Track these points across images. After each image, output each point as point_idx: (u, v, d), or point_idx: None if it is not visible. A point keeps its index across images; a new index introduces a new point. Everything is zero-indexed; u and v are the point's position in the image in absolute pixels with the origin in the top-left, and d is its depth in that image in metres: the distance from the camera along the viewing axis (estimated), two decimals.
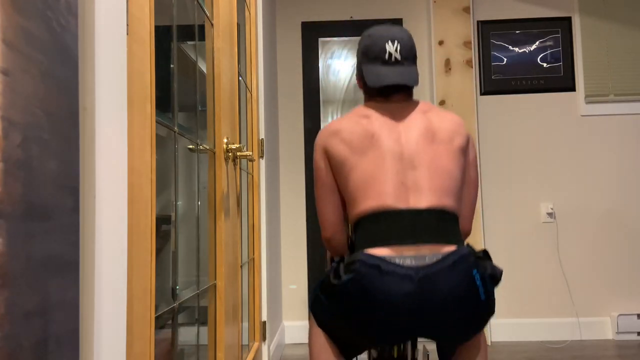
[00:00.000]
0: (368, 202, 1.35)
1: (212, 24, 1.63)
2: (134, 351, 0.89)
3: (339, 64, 3.52)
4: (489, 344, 3.17)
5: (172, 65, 1.33)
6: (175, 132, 1.31)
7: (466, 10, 3.29)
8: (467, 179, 1.50)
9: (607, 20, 3.34)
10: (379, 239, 1.31)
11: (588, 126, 3.33)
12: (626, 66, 3.32)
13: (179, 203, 1.56)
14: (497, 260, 3.28)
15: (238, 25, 2.01)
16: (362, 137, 1.40)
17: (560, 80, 3.35)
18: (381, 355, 1.56)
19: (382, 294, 1.24)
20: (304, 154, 3.42)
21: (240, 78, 2.18)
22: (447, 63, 3.26)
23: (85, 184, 0.69)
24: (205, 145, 1.58)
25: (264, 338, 2.48)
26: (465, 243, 1.35)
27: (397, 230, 1.31)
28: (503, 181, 3.32)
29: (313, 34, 3.46)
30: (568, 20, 3.37)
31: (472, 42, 3.29)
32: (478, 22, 3.39)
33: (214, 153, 1.65)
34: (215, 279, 1.62)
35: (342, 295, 1.31)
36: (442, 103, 3.23)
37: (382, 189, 1.35)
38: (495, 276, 1.35)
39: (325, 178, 1.47)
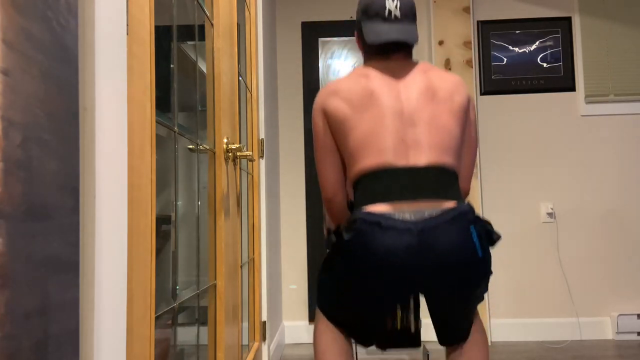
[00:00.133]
0: (368, 160, 1.36)
1: (212, 24, 1.63)
2: (134, 351, 0.89)
3: (339, 64, 3.52)
4: (489, 343, 3.17)
5: (172, 65, 1.33)
6: (175, 132, 1.31)
7: (466, 10, 3.29)
8: (466, 138, 1.49)
9: (607, 20, 3.34)
10: (379, 196, 1.32)
11: (588, 126, 3.33)
12: (626, 66, 3.32)
13: (179, 203, 1.56)
14: (497, 260, 3.28)
15: (238, 25, 2.01)
16: (362, 96, 1.39)
17: (560, 80, 3.35)
18: (387, 330, 1.57)
19: (383, 249, 1.25)
20: (304, 154, 3.42)
21: (240, 78, 2.18)
22: (447, 63, 3.26)
23: (85, 184, 0.69)
24: (205, 145, 1.58)
25: (264, 338, 2.48)
26: (466, 201, 1.36)
27: (397, 187, 1.32)
28: (503, 181, 3.32)
29: (313, 34, 3.46)
30: (568, 20, 3.37)
31: (472, 42, 3.29)
32: (478, 22, 3.39)
33: (214, 153, 1.65)
34: (215, 279, 1.62)
35: (345, 256, 1.33)
36: None
37: (381, 146, 1.35)
38: (491, 236, 1.36)
39: (324, 139, 1.46)
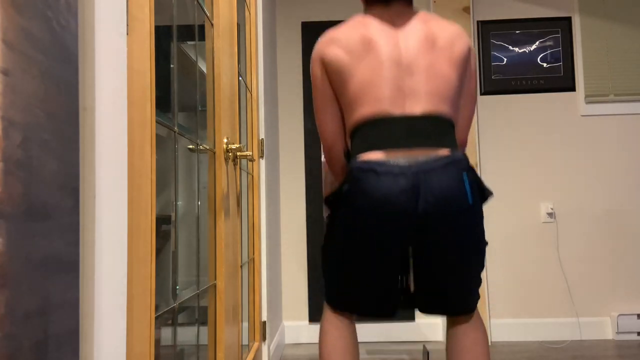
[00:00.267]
0: (365, 108, 1.37)
1: (212, 24, 1.63)
2: (134, 351, 0.89)
3: None
4: (489, 343, 3.17)
5: (172, 65, 1.33)
6: (175, 132, 1.31)
7: (466, 10, 3.29)
8: (466, 89, 1.49)
9: (607, 20, 3.34)
10: (374, 144, 1.35)
11: (588, 126, 3.33)
12: (626, 66, 3.32)
13: (179, 203, 1.56)
14: (497, 260, 3.28)
15: (238, 25, 2.01)
16: (360, 43, 1.39)
17: (560, 80, 3.35)
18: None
19: (379, 192, 1.28)
20: (304, 154, 3.42)
21: (240, 78, 2.18)
22: None
23: (85, 184, 0.69)
24: (205, 145, 1.58)
25: (264, 338, 2.48)
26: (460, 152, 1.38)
27: (392, 136, 1.34)
28: (503, 181, 3.32)
29: (313, 34, 3.46)
30: (568, 20, 3.37)
31: (472, 42, 3.29)
32: (478, 22, 3.39)
33: (214, 153, 1.65)
34: (215, 279, 1.62)
35: (343, 213, 1.35)
36: None
37: (378, 95, 1.36)
38: (483, 190, 1.37)
39: (323, 88, 1.47)
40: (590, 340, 3.17)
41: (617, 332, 3.16)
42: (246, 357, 2.08)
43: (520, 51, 3.37)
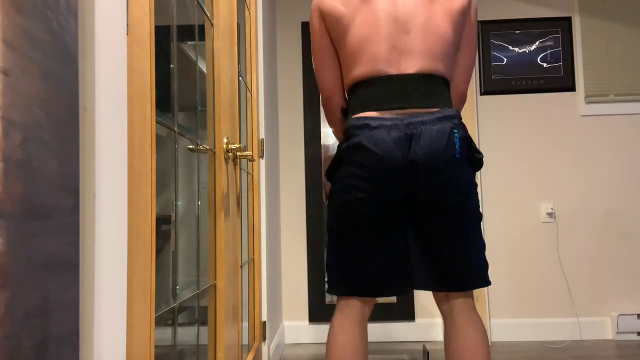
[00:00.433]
0: (361, 67, 1.40)
1: (212, 24, 1.63)
2: (134, 351, 0.89)
3: None
4: (489, 343, 3.17)
5: (172, 65, 1.33)
6: (175, 132, 1.31)
7: None
8: (465, 42, 1.49)
9: (607, 20, 3.34)
10: (369, 104, 1.39)
11: (588, 126, 3.33)
12: (626, 66, 3.32)
13: (179, 203, 1.56)
14: (497, 260, 3.28)
15: (238, 25, 2.01)
16: None
17: (560, 80, 3.35)
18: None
19: (375, 144, 1.32)
20: (304, 154, 3.42)
21: (240, 78, 2.18)
22: None
23: (85, 184, 0.69)
24: (205, 145, 1.58)
25: (264, 338, 2.48)
26: (455, 110, 1.40)
27: (386, 95, 1.37)
28: (503, 181, 3.32)
29: None
30: (568, 20, 3.37)
31: None
32: (478, 22, 3.39)
33: (214, 153, 1.65)
34: (215, 279, 1.62)
35: (342, 167, 1.37)
36: None
37: (374, 53, 1.38)
38: (473, 151, 1.38)
39: (321, 40, 1.49)
40: (590, 340, 3.17)
41: (617, 332, 3.16)
42: (246, 357, 2.08)
43: (520, 51, 3.37)
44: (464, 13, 1.43)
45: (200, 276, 1.53)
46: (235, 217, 1.87)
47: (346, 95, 1.53)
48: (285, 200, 3.40)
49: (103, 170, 0.73)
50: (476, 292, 3.09)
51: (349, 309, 1.41)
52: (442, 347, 3.05)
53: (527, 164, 3.33)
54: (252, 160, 1.88)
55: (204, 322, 1.59)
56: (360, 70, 1.40)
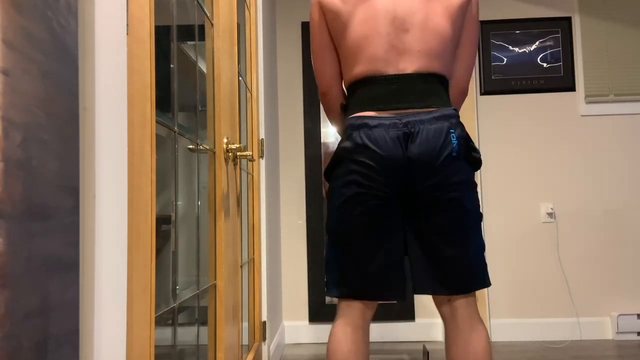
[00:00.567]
0: (360, 66, 1.41)
1: (212, 24, 1.63)
2: (134, 351, 0.89)
3: None
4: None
5: (172, 65, 1.33)
6: (175, 132, 1.31)
7: None
8: (465, 37, 1.49)
9: (607, 20, 3.34)
10: (367, 103, 1.39)
11: (588, 126, 3.33)
12: (626, 66, 3.32)
13: (179, 203, 1.56)
14: (497, 260, 3.28)
15: (238, 25, 2.01)
16: None
17: (560, 80, 3.35)
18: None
19: (374, 143, 1.32)
20: (304, 154, 3.41)
21: (240, 78, 2.18)
22: None
23: (85, 184, 0.69)
24: (205, 145, 1.58)
25: (264, 338, 2.48)
26: (454, 109, 1.40)
27: (385, 95, 1.38)
28: (503, 181, 3.32)
29: None
30: (568, 20, 3.37)
31: None
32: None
33: (214, 153, 1.65)
34: (215, 279, 1.62)
35: (342, 165, 1.38)
36: None
37: (373, 53, 1.39)
38: (470, 150, 1.38)
39: (320, 34, 1.50)
40: (590, 340, 3.17)
41: (617, 332, 3.16)
42: (246, 357, 2.08)
43: (520, 51, 3.37)
44: (463, 8, 1.43)
45: (200, 276, 1.53)
46: (235, 217, 1.87)
47: (345, 92, 1.53)
48: (285, 200, 3.39)
49: (103, 170, 0.73)
50: (476, 292, 3.09)
51: (351, 313, 1.38)
52: (442, 347, 3.05)
53: (527, 164, 3.33)
54: (252, 160, 1.88)
55: (204, 322, 1.59)
56: (359, 69, 1.41)
